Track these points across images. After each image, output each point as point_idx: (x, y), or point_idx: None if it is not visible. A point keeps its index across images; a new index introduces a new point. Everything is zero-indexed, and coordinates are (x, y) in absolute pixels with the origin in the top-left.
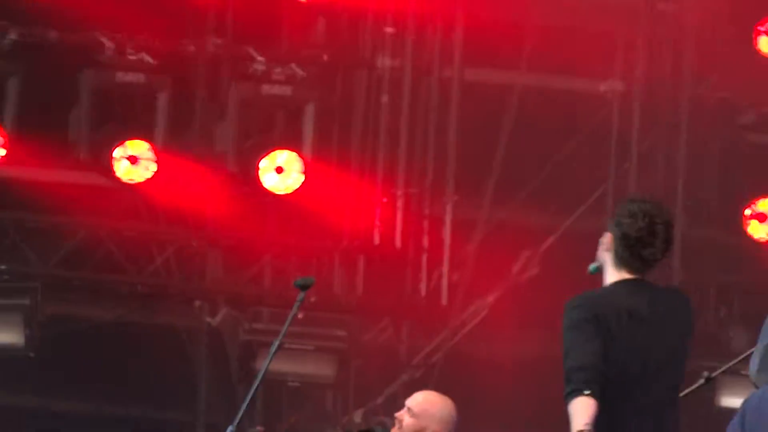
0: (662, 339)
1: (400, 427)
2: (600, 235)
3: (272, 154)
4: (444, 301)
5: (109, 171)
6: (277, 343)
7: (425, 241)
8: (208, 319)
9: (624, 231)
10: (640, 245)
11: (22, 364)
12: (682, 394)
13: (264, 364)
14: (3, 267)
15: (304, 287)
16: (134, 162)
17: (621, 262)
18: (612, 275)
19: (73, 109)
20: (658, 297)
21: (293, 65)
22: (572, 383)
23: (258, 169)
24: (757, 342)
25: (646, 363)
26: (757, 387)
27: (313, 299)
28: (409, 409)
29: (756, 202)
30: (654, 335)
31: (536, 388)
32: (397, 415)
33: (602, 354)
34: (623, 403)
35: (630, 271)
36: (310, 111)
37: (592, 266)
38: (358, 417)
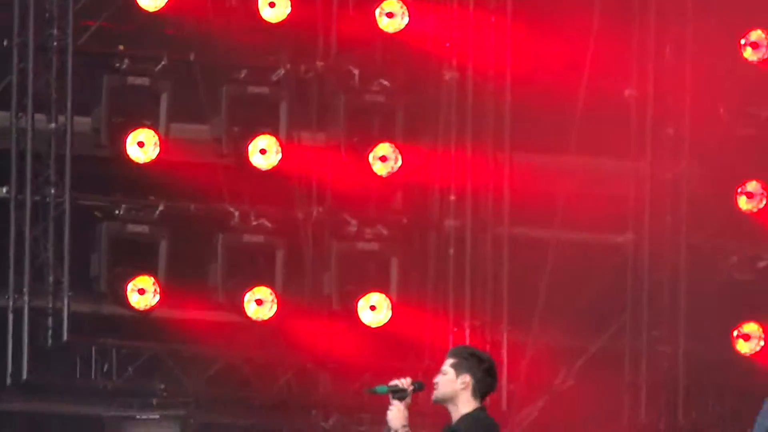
0: None
1: None
2: (619, 354)
3: (367, 296)
4: (504, 407)
5: (241, 311)
6: None
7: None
8: (323, 424)
9: (486, 367)
10: (493, 379)
11: None
12: None
13: None
14: (162, 386)
15: (418, 388)
16: (260, 304)
17: (482, 392)
18: (470, 404)
19: (211, 264)
20: None
21: (379, 226)
22: None
23: (357, 307)
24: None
25: None
26: None
27: None
28: None
29: (742, 325)
30: None
31: None
32: None
33: None
34: None
35: (483, 400)
36: (394, 263)
37: (383, 388)
38: None
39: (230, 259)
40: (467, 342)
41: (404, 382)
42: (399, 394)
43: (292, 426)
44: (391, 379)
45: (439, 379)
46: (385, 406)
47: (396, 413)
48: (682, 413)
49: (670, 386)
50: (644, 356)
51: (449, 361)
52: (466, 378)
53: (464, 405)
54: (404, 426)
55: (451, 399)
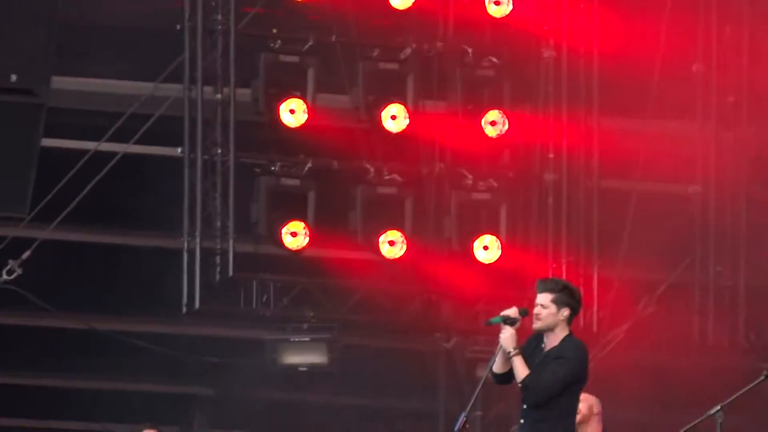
0: None
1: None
2: (688, 287)
3: (480, 238)
4: (594, 329)
5: (377, 251)
6: (493, 360)
7: (581, 291)
8: (445, 345)
9: (579, 299)
10: (581, 307)
11: (327, 377)
12: (745, 389)
13: (484, 373)
14: (311, 314)
15: (523, 314)
16: (392, 245)
17: (570, 322)
18: (565, 330)
19: (351, 211)
20: None
21: (491, 180)
22: None
23: (473, 248)
24: None
25: None
26: None
27: None
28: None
29: None
30: None
31: (654, 386)
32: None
33: None
34: None
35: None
36: (503, 209)
37: (497, 318)
38: None
39: (367, 207)
40: (564, 275)
41: (513, 311)
42: (510, 320)
43: (419, 346)
44: (501, 309)
45: (540, 311)
46: (497, 330)
47: (508, 337)
48: (742, 335)
49: (733, 313)
50: (711, 288)
51: (548, 296)
52: (566, 312)
53: (561, 331)
54: (515, 348)
55: (552, 328)
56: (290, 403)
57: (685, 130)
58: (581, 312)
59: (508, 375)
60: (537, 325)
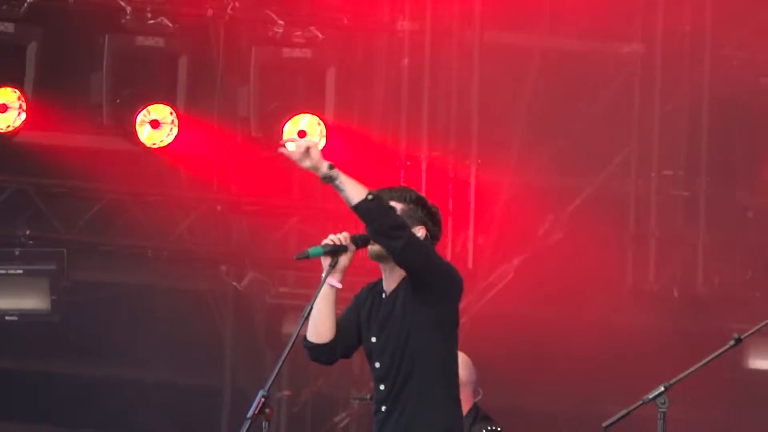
0: None
1: None
2: (621, 198)
3: (295, 118)
4: (470, 264)
5: (131, 136)
6: (309, 308)
7: (450, 205)
8: (234, 284)
9: (438, 218)
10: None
11: (48, 329)
12: (712, 356)
13: (296, 329)
14: (27, 233)
15: (360, 243)
16: (156, 126)
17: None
18: None
19: (94, 74)
20: None
21: (313, 28)
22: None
23: (282, 133)
24: None
25: None
26: None
27: None
28: None
29: None
30: None
31: (560, 348)
32: None
33: None
34: None
35: None
36: (331, 74)
37: (317, 249)
38: None
39: (119, 67)
40: (423, 180)
41: (342, 238)
42: (335, 250)
43: (194, 285)
44: (325, 231)
45: None
46: (316, 264)
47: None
48: (701, 277)
49: (687, 241)
50: (653, 201)
51: (395, 205)
52: (421, 230)
53: None
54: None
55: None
56: None
57: None
58: (449, 240)
59: (333, 346)
60: (375, 249)
